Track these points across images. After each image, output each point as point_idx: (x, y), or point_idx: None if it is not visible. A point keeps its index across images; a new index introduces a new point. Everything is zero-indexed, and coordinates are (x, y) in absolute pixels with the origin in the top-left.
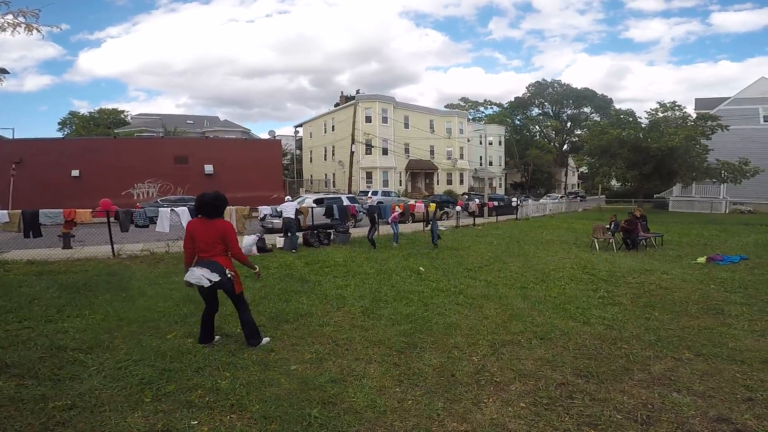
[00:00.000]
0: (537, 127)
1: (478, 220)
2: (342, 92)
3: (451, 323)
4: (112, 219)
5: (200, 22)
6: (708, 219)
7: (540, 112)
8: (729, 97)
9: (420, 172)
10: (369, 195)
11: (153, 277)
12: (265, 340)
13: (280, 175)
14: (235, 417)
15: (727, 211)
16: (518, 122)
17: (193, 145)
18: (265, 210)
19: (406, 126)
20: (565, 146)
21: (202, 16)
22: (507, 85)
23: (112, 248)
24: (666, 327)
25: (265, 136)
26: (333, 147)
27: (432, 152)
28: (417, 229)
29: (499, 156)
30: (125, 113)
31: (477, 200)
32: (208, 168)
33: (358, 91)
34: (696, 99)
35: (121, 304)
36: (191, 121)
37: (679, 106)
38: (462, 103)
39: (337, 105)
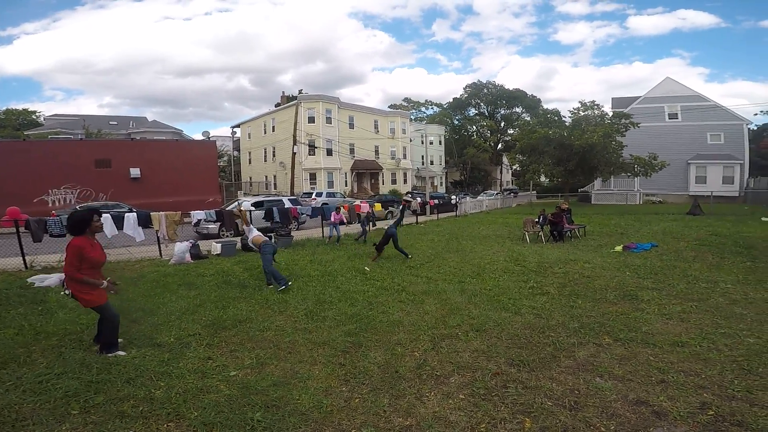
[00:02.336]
0: (474, 126)
1: (421, 218)
2: (283, 92)
3: (394, 320)
4: (22, 229)
5: (130, 20)
6: (624, 210)
7: (476, 112)
8: (639, 97)
9: (365, 172)
10: (313, 196)
11: None
12: (121, 353)
13: (216, 178)
14: (173, 425)
15: (640, 202)
16: (457, 122)
17: (117, 148)
18: (198, 215)
19: (351, 126)
20: (500, 145)
21: (133, 14)
22: (448, 85)
23: (24, 259)
24: (588, 314)
25: (199, 137)
26: (274, 148)
27: (377, 152)
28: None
29: (439, 155)
30: (37, 114)
31: (419, 199)
32: (135, 171)
33: (300, 91)
34: (613, 98)
35: (38, 318)
36: (115, 122)
37: (598, 105)
38: (405, 104)
39: (278, 105)
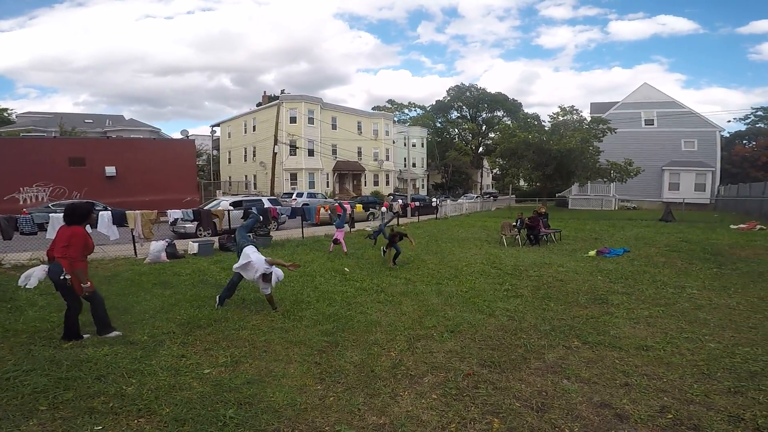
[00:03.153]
0: (456, 129)
1: (402, 220)
2: (265, 92)
3: (372, 321)
4: None
5: (110, 18)
6: (600, 215)
7: (458, 115)
8: (617, 102)
9: (348, 173)
10: (293, 197)
11: (43, 287)
12: (115, 333)
13: (194, 177)
14: (144, 421)
15: (616, 208)
16: (439, 125)
17: (92, 146)
18: (175, 214)
19: (334, 127)
20: (481, 148)
21: (113, 12)
22: (431, 88)
23: None
24: (559, 317)
25: (178, 136)
26: (254, 148)
27: (360, 153)
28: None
29: (422, 158)
30: (9, 111)
31: (400, 201)
32: (110, 170)
33: (283, 91)
34: (591, 103)
35: (6, 315)
36: (90, 120)
37: (576, 110)
38: (389, 105)
39: (259, 105)
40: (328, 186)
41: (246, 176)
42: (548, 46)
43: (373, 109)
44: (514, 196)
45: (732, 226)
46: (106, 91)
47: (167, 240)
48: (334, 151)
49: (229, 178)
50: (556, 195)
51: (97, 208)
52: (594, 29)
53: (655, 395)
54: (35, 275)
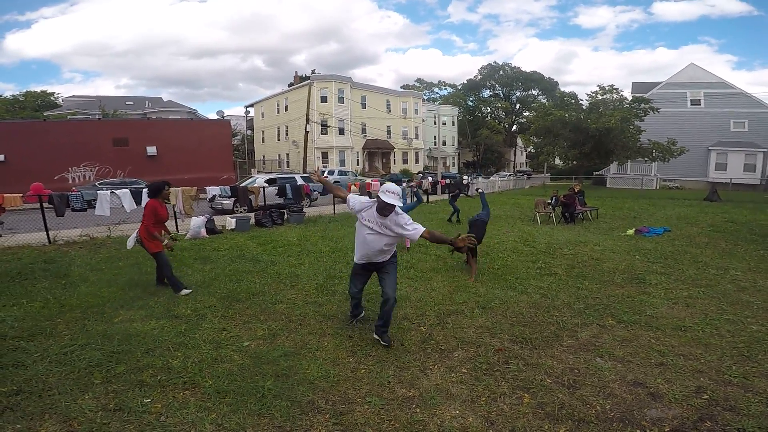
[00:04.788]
0: (488, 108)
1: (432, 198)
2: (296, 72)
3: (402, 296)
4: (45, 204)
5: (147, 3)
6: (640, 194)
7: (491, 93)
8: (662, 82)
9: (377, 151)
10: (325, 174)
11: (94, 263)
12: (185, 291)
13: (230, 156)
14: (189, 393)
15: (657, 187)
16: (471, 103)
17: (134, 127)
18: (213, 190)
19: (363, 106)
20: (514, 127)
21: None
22: (463, 67)
23: (47, 234)
24: (594, 296)
25: (214, 116)
26: (287, 127)
27: (389, 132)
28: None
29: (452, 136)
30: (56, 95)
31: (430, 178)
32: (151, 150)
33: (313, 71)
34: (633, 83)
35: (62, 291)
36: (131, 102)
37: (617, 89)
38: (417, 84)
39: (291, 85)
40: (358, 164)
41: (279, 155)
42: (587, 26)
43: (402, 88)
44: (548, 174)
45: None
46: (145, 74)
47: (207, 216)
48: (364, 130)
49: (263, 156)
50: (594, 173)
51: (139, 185)
52: (636, 10)
53: (691, 376)
54: (131, 238)
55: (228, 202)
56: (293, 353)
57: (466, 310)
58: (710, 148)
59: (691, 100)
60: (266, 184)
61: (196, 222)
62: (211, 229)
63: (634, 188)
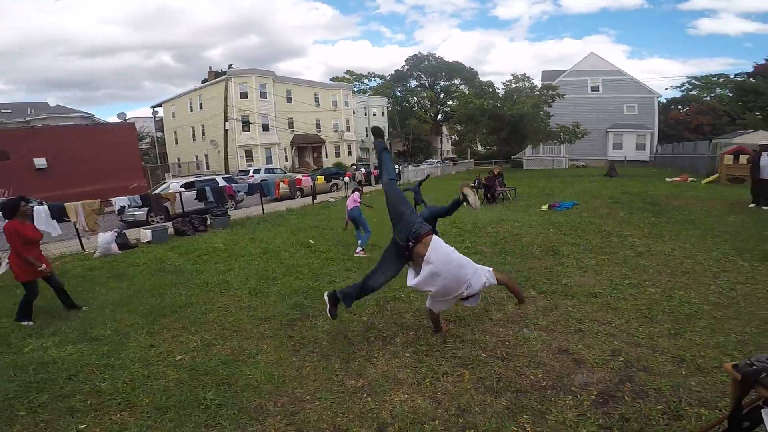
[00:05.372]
0: (415, 98)
1: (367, 189)
2: (210, 67)
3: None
4: None
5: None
6: (552, 174)
7: (417, 84)
8: (566, 70)
9: (307, 146)
10: (251, 173)
11: None
12: (27, 323)
13: (139, 161)
14: (126, 414)
15: (566, 167)
16: (399, 94)
17: (14, 137)
18: (121, 201)
19: (289, 100)
20: (439, 116)
21: None
22: (392, 58)
23: None
24: (516, 269)
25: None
26: (203, 126)
27: (318, 126)
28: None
29: (383, 126)
30: None
31: (363, 170)
32: (40, 162)
33: (230, 66)
34: (543, 71)
35: None
36: (8, 110)
37: (528, 77)
38: (347, 76)
39: (205, 81)
40: (286, 160)
41: (197, 156)
42: (504, 17)
43: (331, 80)
44: (472, 160)
45: (667, 179)
46: (24, 78)
47: (116, 230)
48: (291, 125)
49: (178, 159)
50: (512, 157)
51: (30, 204)
52: (547, 1)
53: (606, 340)
54: (3, 265)
55: (140, 213)
56: (232, 361)
57: (403, 296)
58: (608, 130)
59: (591, 86)
60: (183, 189)
61: (105, 238)
62: (123, 243)
63: (547, 168)
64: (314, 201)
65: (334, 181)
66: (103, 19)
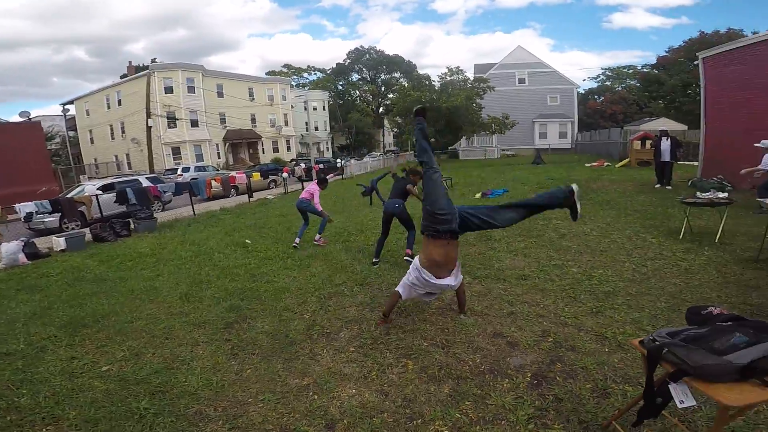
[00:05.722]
0: (357, 91)
1: (308, 184)
2: (130, 62)
3: (280, 288)
4: None
5: None
6: (485, 163)
7: (359, 77)
8: (496, 63)
9: (241, 142)
10: (179, 172)
11: None
12: None
13: (48, 163)
14: (53, 428)
15: (498, 156)
16: (341, 87)
17: None
18: (26, 207)
19: (221, 95)
20: (381, 109)
21: None
22: (334, 51)
23: None
24: None
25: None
26: (122, 124)
27: (254, 121)
28: (243, 201)
29: (324, 120)
30: None
31: (303, 165)
32: None
33: (153, 60)
34: (475, 65)
35: None
36: None
37: (462, 70)
38: (285, 70)
39: (124, 76)
40: (219, 157)
41: (117, 156)
42: (442, 11)
43: (267, 74)
44: (413, 152)
45: (587, 164)
46: None
47: (23, 239)
48: (223, 120)
49: (95, 160)
50: (448, 148)
51: None
52: None
53: (536, 321)
54: None
55: (52, 219)
56: (165, 368)
57: (346, 290)
58: (534, 120)
59: (518, 79)
60: (100, 192)
61: (9, 248)
62: (33, 253)
63: (481, 158)
64: (251, 199)
65: (272, 177)
66: (8, 11)
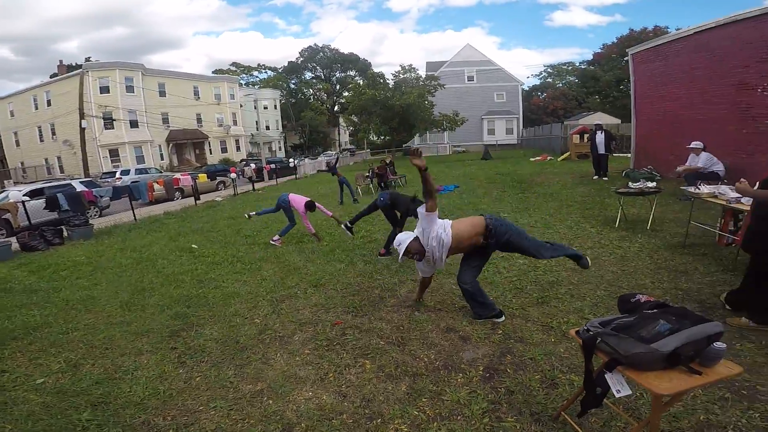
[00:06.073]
0: (310, 90)
1: (260, 184)
2: (61, 61)
3: (229, 293)
4: None
5: None
6: (438, 159)
7: (313, 75)
8: (447, 61)
9: (186, 142)
10: (118, 175)
11: None
12: None
13: None
14: None
15: (450, 153)
16: (293, 86)
17: None
18: None
19: (163, 94)
20: (336, 107)
21: None
22: (286, 50)
23: None
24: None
25: None
26: (52, 125)
27: (199, 120)
28: (189, 203)
29: (276, 120)
30: None
31: (253, 165)
32: None
33: (88, 59)
34: (427, 62)
35: None
36: None
37: (414, 68)
38: (234, 68)
39: (54, 76)
40: (162, 159)
41: (47, 159)
42: (396, 9)
43: (214, 72)
44: (369, 150)
45: (531, 159)
46: None
47: None
48: (166, 120)
49: (22, 164)
50: (403, 146)
51: None
52: None
53: None
54: None
55: None
56: (106, 379)
57: (299, 292)
58: (482, 117)
59: (467, 76)
60: (27, 198)
61: None
62: None
63: (434, 155)
64: (197, 202)
65: (220, 179)
66: None
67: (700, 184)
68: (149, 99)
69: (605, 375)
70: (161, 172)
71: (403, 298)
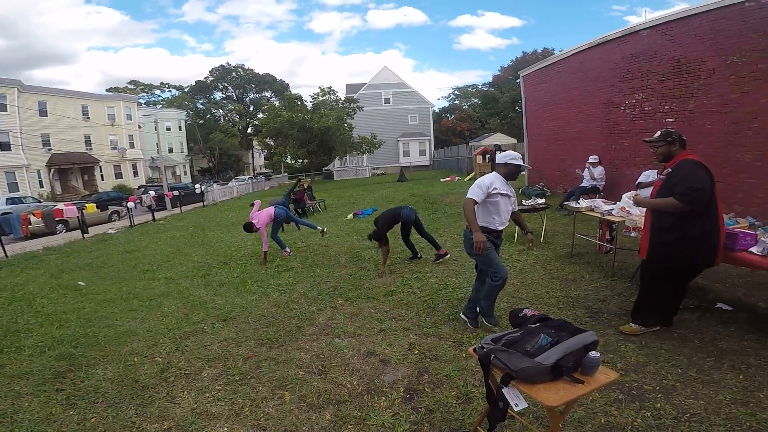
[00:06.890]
0: (221, 110)
1: (161, 214)
2: None
3: (124, 332)
4: None
5: None
6: (357, 183)
7: (223, 96)
8: (365, 83)
9: (72, 167)
10: None
11: None
12: None
13: None
14: None
15: (369, 175)
16: (201, 106)
17: None
18: None
19: (43, 113)
20: (249, 129)
21: None
22: (195, 69)
23: None
24: (325, 280)
25: None
26: None
27: (88, 142)
28: (76, 236)
29: (180, 142)
30: None
31: (152, 192)
32: None
33: None
34: (347, 84)
35: None
36: None
37: (333, 90)
38: (132, 86)
39: None
40: (42, 186)
41: None
42: (318, 30)
43: (108, 90)
44: (286, 174)
45: (441, 180)
46: None
47: None
48: (47, 143)
49: None
50: (323, 169)
51: None
52: (357, 16)
53: (403, 335)
54: None
55: None
56: None
57: (206, 328)
58: (398, 139)
59: (384, 99)
60: None
61: None
62: None
63: (354, 178)
64: (85, 235)
65: (113, 208)
66: None
67: (580, 200)
68: (27, 119)
69: (502, 390)
70: (40, 202)
71: (322, 326)
